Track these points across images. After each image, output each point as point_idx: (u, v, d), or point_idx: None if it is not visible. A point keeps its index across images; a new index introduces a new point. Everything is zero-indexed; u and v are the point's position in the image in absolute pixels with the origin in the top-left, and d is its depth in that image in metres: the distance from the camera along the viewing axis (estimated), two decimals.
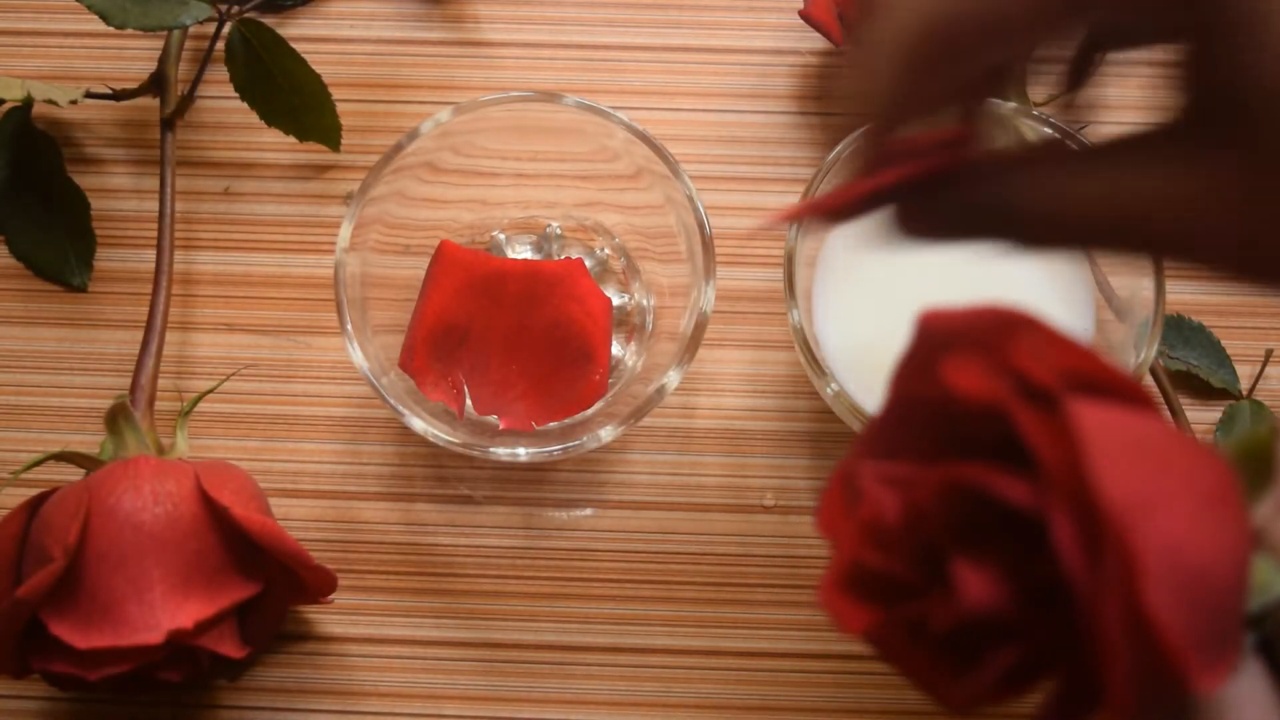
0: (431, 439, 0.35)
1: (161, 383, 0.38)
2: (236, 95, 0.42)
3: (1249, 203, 0.19)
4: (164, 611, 0.32)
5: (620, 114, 0.37)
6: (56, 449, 0.35)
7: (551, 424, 0.38)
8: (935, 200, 0.23)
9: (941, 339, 0.21)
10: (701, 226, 0.36)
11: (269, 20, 0.44)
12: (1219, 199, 0.20)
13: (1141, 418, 0.19)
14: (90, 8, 0.39)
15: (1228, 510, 0.19)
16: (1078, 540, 0.18)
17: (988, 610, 0.19)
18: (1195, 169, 0.20)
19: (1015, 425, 0.19)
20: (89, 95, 0.42)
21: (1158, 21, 0.20)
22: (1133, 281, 0.36)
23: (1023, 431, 0.19)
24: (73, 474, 0.35)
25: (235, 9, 0.41)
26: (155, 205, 0.41)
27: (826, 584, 0.22)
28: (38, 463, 0.35)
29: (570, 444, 0.35)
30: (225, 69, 0.42)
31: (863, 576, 0.22)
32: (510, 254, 0.42)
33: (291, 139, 0.43)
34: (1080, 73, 0.23)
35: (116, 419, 0.36)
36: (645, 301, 0.41)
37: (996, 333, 0.20)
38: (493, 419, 0.38)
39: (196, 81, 0.42)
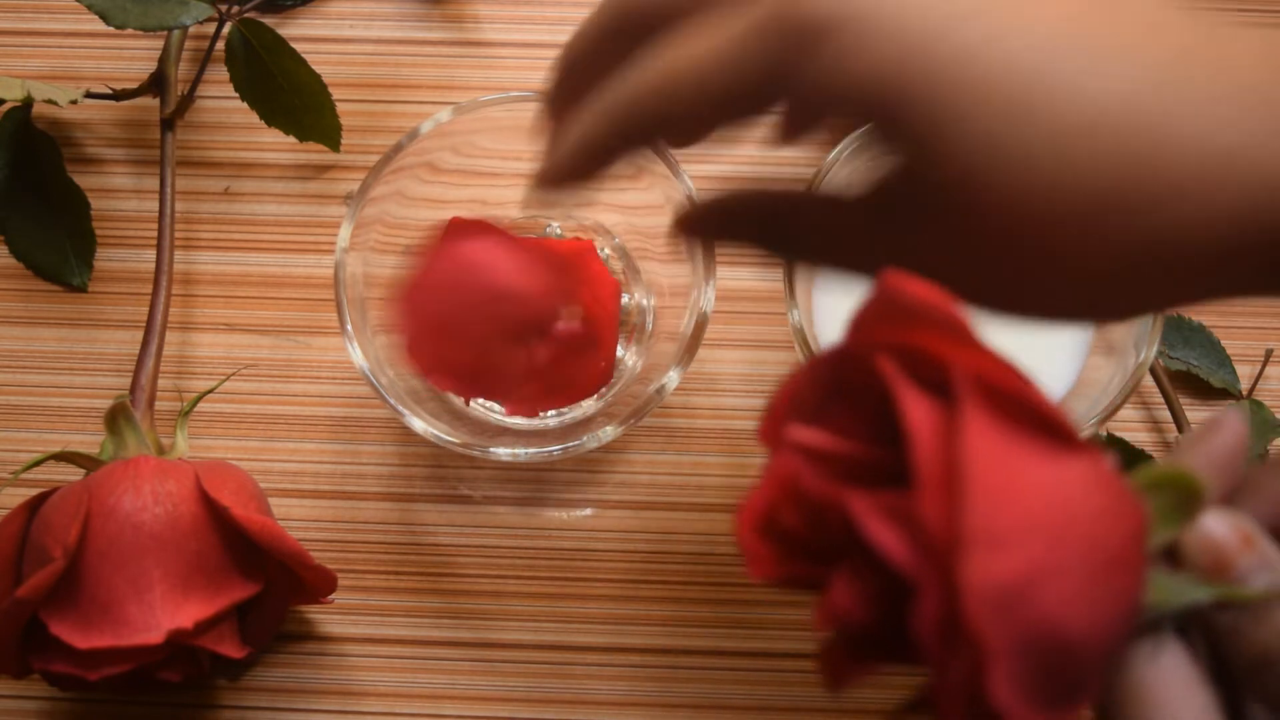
0: (431, 439, 0.35)
1: (161, 383, 0.38)
2: (236, 95, 0.42)
3: (945, 268, 0.22)
4: (164, 611, 0.32)
5: None
6: (56, 449, 0.35)
7: (552, 422, 0.38)
8: (711, 215, 0.28)
9: (897, 307, 0.20)
10: None
11: (269, 20, 0.44)
12: (915, 261, 0.23)
13: (1060, 464, 0.18)
14: (90, 8, 0.39)
15: (1122, 573, 0.18)
16: (937, 619, 0.18)
17: (853, 624, 0.20)
18: (895, 235, 0.24)
19: (913, 462, 0.18)
20: (89, 95, 0.42)
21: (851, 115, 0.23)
22: None
23: (918, 483, 0.18)
24: (73, 474, 0.35)
25: (235, 9, 0.41)
26: (155, 205, 0.41)
27: (747, 512, 0.22)
28: (38, 463, 0.35)
29: (570, 444, 0.35)
30: (225, 69, 0.42)
31: (779, 526, 0.21)
32: None
33: (291, 139, 0.43)
34: (794, 130, 0.26)
35: (116, 419, 0.36)
36: (645, 302, 0.41)
37: (943, 331, 0.19)
38: (493, 418, 0.38)
39: (196, 81, 0.42)
